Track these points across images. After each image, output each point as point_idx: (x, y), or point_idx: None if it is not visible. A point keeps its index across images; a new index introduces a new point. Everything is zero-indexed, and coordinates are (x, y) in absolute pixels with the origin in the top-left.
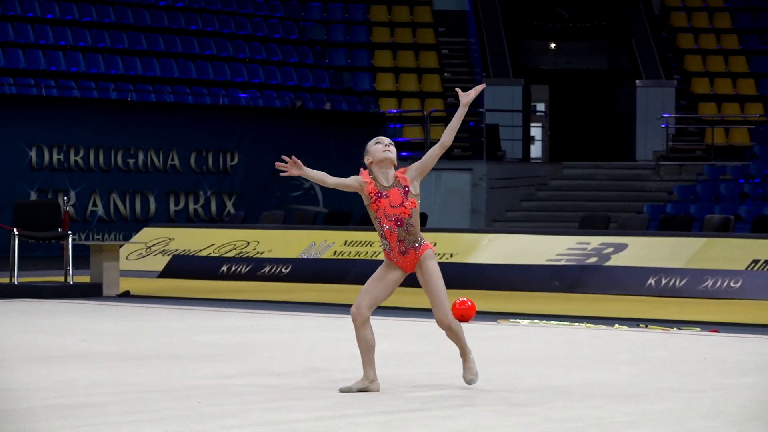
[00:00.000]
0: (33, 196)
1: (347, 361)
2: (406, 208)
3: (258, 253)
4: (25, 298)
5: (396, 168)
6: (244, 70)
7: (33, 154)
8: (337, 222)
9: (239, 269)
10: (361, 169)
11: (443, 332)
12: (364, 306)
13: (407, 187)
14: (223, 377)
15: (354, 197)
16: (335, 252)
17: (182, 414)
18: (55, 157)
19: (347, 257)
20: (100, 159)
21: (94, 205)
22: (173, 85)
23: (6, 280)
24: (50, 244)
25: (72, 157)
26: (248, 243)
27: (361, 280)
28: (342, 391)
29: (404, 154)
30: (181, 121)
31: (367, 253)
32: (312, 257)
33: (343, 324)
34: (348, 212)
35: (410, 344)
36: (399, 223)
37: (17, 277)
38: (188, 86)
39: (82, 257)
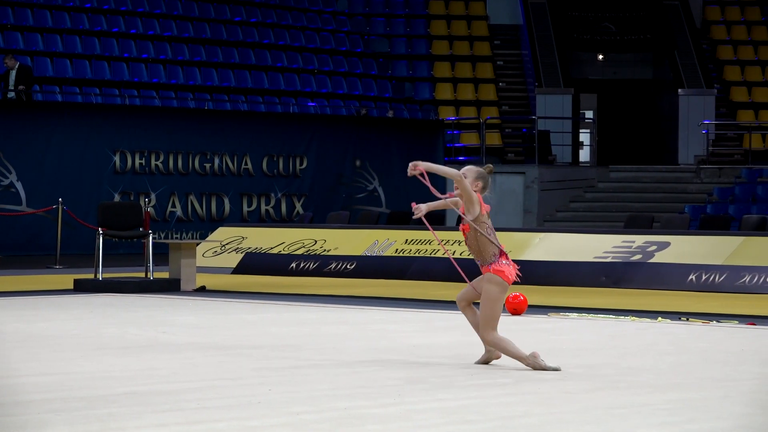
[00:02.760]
0: (116, 197)
1: (408, 351)
2: (462, 231)
3: (325, 251)
4: (108, 293)
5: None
6: (313, 81)
7: (117, 158)
8: (399, 222)
9: (307, 266)
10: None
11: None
12: (461, 299)
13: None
14: (293, 367)
15: (415, 199)
16: (396, 250)
17: (254, 401)
18: (137, 161)
19: (408, 254)
20: (179, 163)
21: (173, 206)
22: (247, 95)
23: (91, 276)
24: (132, 243)
25: (153, 162)
26: (316, 241)
27: (420, 275)
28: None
29: (461, 158)
30: (254, 128)
31: (426, 251)
32: (375, 255)
33: (404, 317)
34: (409, 213)
35: (467, 335)
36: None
37: (101, 273)
38: (261, 96)
39: (162, 255)
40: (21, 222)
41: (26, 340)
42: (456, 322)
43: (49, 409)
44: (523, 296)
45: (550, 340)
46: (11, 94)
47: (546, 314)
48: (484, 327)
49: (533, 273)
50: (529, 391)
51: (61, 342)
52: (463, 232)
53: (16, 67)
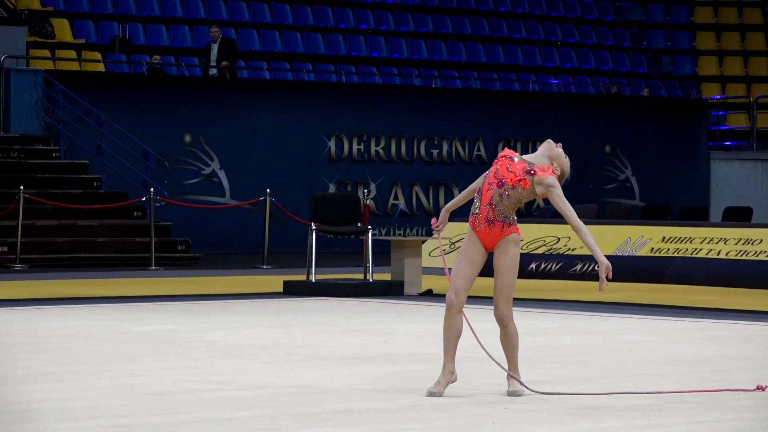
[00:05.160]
0: (332, 188)
1: (665, 365)
2: (516, 177)
3: (569, 249)
4: (322, 297)
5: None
6: (555, 54)
7: (332, 144)
8: (655, 216)
9: (549, 267)
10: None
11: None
12: (462, 291)
13: (534, 171)
14: (531, 382)
15: (673, 191)
16: (652, 249)
17: (486, 421)
18: (354, 147)
19: (665, 254)
20: (402, 149)
21: (396, 198)
22: (480, 71)
23: (303, 278)
24: (349, 240)
25: (372, 148)
26: (558, 239)
27: (679, 278)
28: (431, 394)
29: (728, 143)
30: (487, 108)
31: (686, 250)
32: (627, 254)
33: (660, 326)
34: (667, 206)
35: (732, 348)
36: (500, 185)
37: (314, 274)
38: (496, 71)
39: (383, 253)
40: (224, 216)
41: (230, 349)
42: (720, 332)
43: (255, 427)
44: None
45: None
46: (213, 71)
47: None
48: (510, 297)
49: None
50: None
51: (269, 352)
52: (516, 183)
53: (219, 40)
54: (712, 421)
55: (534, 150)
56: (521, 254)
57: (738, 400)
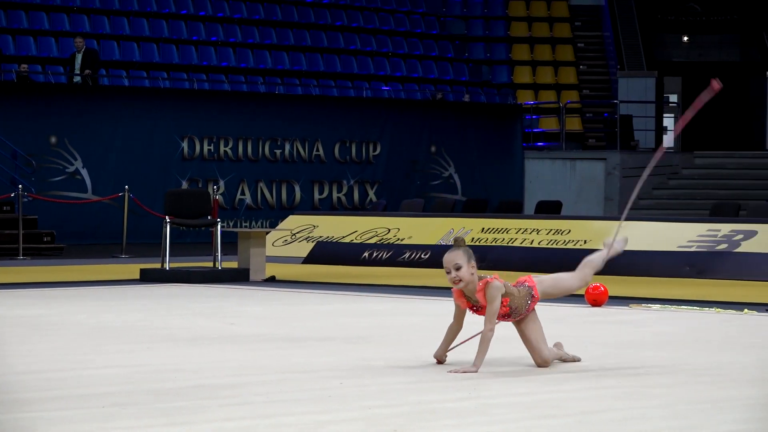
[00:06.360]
0: (184, 185)
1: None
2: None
3: (398, 239)
4: (175, 283)
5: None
6: (386, 64)
7: (185, 144)
8: (475, 210)
9: (380, 255)
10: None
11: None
12: None
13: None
14: (365, 359)
15: (492, 186)
16: (473, 239)
17: (324, 395)
18: (205, 147)
19: (485, 244)
20: (249, 149)
21: (242, 193)
22: (319, 79)
23: (158, 266)
24: (200, 231)
25: (221, 148)
26: (389, 230)
27: (498, 265)
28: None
29: (540, 144)
30: (326, 113)
31: (504, 239)
32: (450, 244)
33: None
34: (486, 200)
35: (546, 328)
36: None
37: (168, 262)
38: (333, 79)
39: (231, 244)
40: (86, 210)
41: (91, 331)
42: (544, 314)
43: (114, 402)
44: (603, 287)
45: (632, 332)
46: (77, 78)
47: (627, 305)
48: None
49: (614, 263)
50: (610, 386)
51: (127, 333)
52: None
53: (83, 50)
54: (530, 392)
55: (368, 150)
56: (357, 243)
57: (554, 374)
